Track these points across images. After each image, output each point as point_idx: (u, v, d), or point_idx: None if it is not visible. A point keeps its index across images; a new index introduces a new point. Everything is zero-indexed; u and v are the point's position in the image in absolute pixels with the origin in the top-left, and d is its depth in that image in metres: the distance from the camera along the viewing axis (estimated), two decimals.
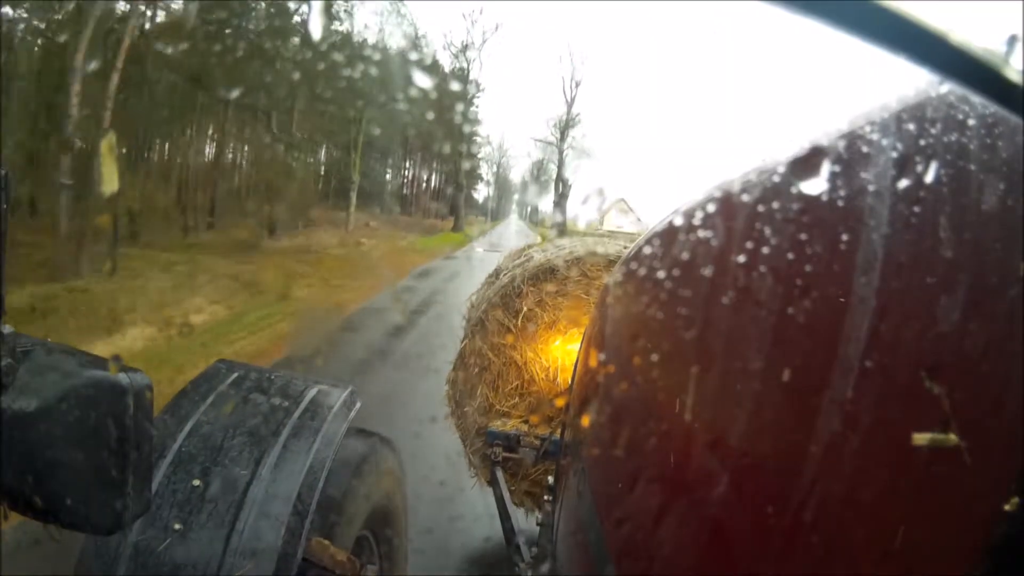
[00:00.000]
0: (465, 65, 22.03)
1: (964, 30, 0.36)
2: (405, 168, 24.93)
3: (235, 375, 1.66)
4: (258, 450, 1.42)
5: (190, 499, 1.31)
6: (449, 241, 19.17)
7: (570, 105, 24.10)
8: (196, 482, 1.33)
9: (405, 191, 24.91)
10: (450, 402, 3.00)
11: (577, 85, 23.48)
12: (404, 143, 22.70)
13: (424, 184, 25.98)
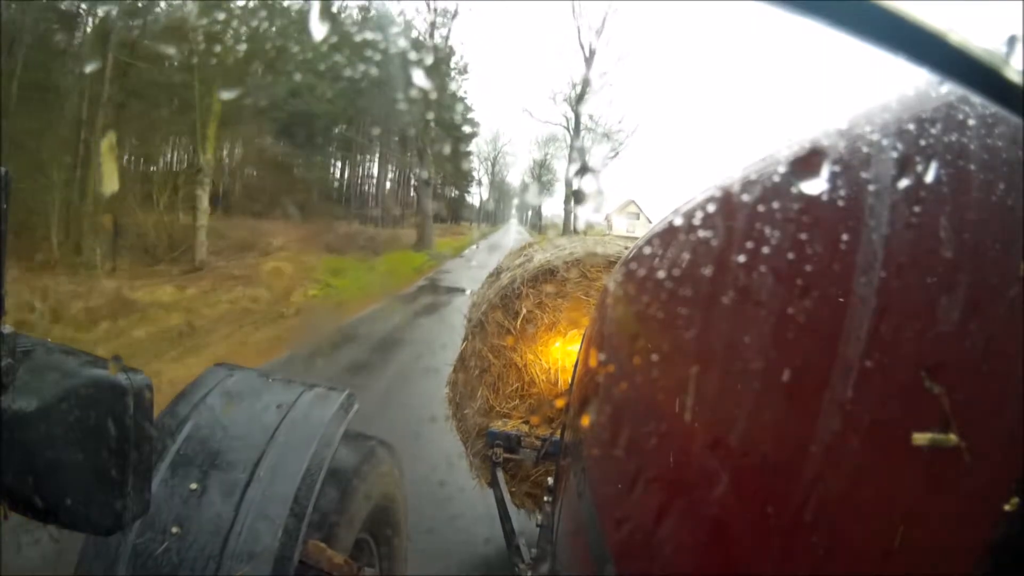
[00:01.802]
0: (431, 19, 17.02)
1: (964, 30, 0.36)
2: (363, 161, 18.83)
3: (233, 377, 1.66)
4: (256, 452, 1.42)
5: (188, 502, 1.30)
6: (390, 275, 13.37)
7: (589, 60, 18.71)
8: (194, 485, 1.33)
9: (366, 192, 19.22)
10: (450, 404, 3.00)
11: (598, 34, 18.61)
12: (358, 130, 17.32)
13: (396, 183, 20.76)
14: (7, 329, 0.64)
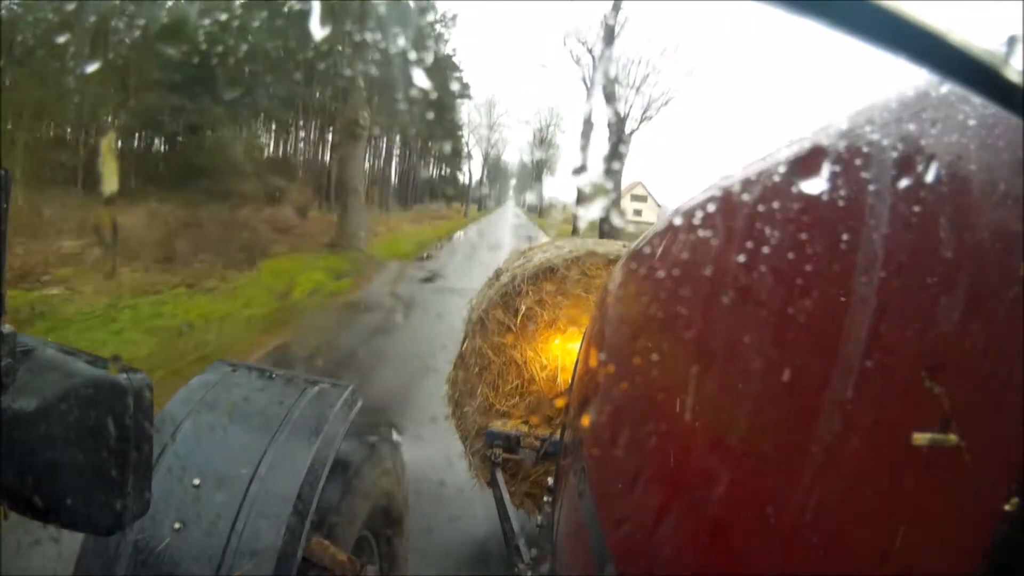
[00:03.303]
0: None
1: (964, 30, 0.36)
2: (297, 123, 13.56)
3: (236, 374, 1.66)
4: (258, 449, 1.42)
5: (190, 498, 1.30)
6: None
7: None
8: (196, 481, 1.33)
9: (301, 162, 13.55)
10: (450, 402, 3.00)
11: None
12: (285, 79, 11.98)
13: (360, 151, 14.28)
14: (7, 329, 0.64)
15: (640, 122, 16.04)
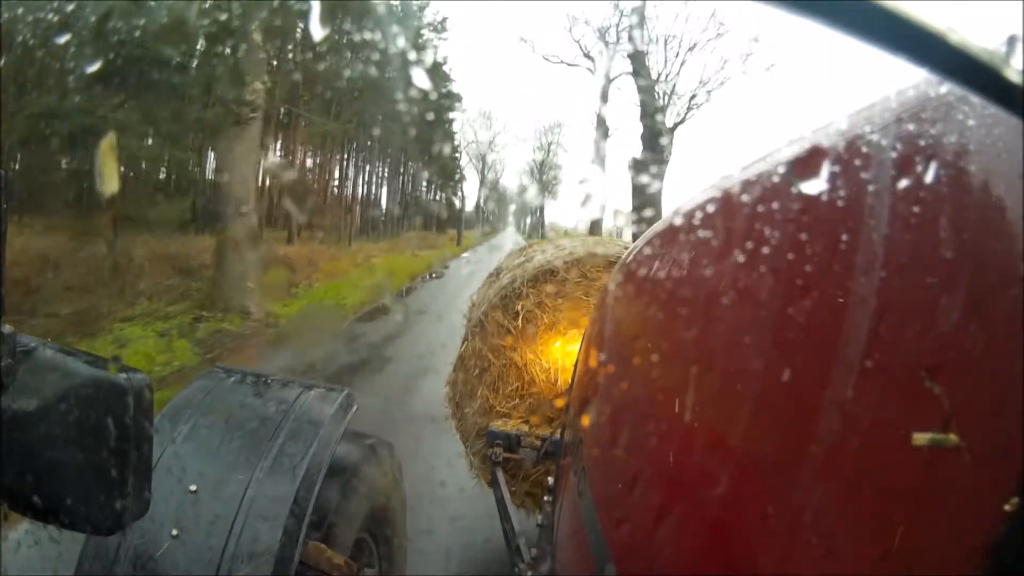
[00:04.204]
0: None
1: (964, 30, 0.36)
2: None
3: (232, 379, 1.66)
4: (255, 454, 1.42)
5: (187, 504, 1.30)
6: None
7: None
8: (193, 487, 1.33)
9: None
10: (450, 404, 3.00)
11: None
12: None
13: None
14: (7, 329, 0.64)
15: (688, 109, 12.84)
